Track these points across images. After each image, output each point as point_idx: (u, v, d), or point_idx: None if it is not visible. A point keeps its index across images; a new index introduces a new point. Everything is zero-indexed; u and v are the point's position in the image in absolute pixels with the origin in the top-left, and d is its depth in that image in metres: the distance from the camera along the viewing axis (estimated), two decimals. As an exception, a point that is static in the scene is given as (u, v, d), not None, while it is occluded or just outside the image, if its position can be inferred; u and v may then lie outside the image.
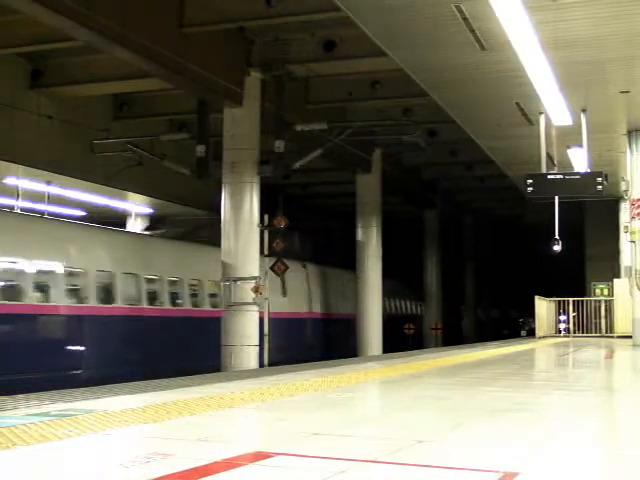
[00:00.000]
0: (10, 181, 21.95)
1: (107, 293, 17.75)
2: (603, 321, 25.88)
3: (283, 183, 26.65)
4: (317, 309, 27.09)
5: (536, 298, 25.41)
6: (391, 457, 4.31)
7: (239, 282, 17.80)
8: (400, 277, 35.42)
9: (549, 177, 14.94)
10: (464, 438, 5.11)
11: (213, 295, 20.71)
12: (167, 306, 19.47)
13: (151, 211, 29.16)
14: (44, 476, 3.94)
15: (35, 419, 5.49)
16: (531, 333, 29.78)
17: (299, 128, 19.83)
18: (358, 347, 25.95)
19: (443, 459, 4.37)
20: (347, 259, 29.67)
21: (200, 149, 19.01)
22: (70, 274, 16.81)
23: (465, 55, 13.02)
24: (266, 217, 19.48)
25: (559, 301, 26.73)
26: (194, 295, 20.66)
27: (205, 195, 24.53)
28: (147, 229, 29.34)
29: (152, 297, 19.12)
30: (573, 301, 26.36)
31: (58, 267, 16.41)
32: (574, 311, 26.45)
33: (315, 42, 17.96)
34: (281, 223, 19.48)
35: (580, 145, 16.54)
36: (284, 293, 22.90)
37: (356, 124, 21.87)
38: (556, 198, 18.95)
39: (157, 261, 19.84)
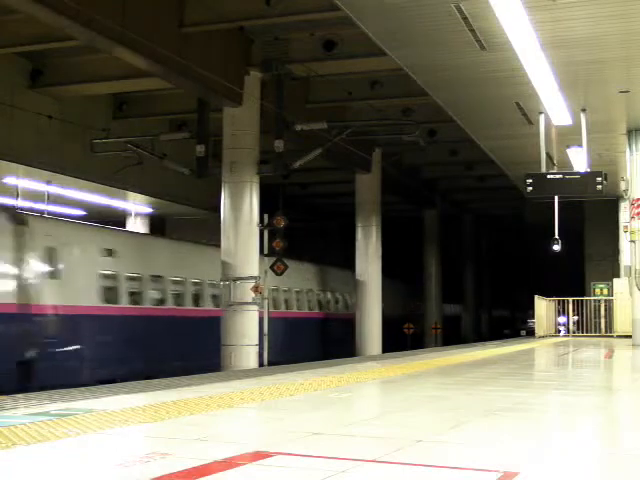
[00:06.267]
0: (10, 180, 21.95)
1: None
2: (603, 321, 25.88)
3: (283, 183, 26.62)
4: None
5: (536, 298, 25.42)
6: (391, 457, 4.31)
7: (239, 282, 17.80)
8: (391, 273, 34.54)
9: (549, 176, 14.94)
10: (464, 438, 5.11)
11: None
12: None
13: (151, 211, 29.17)
14: (43, 476, 3.94)
15: (35, 419, 5.49)
16: (530, 333, 29.79)
17: (299, 128, 19.81)
18: (357, 347, 25.97)
19: (443, 459, 4.37)
20: (347, 258, 29.66)
21: (200, 149, 19.01)
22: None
23: (465, 55, 13.02)
24: (266, 217, 19.47)
25: (559, 301, 26.73)
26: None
27: (205, 195, 24.54)
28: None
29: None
30: (573, 301, 26.36)
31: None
32: (574, 312, 26.45)
33: (315, 42, 17.96)
34: (281, 223, 19.45)
35: (580, 145, 16.55)
36: None
37: (356, 124, 21.86)
38: (556, 198, 19.03)
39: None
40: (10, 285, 14.66)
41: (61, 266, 15.81)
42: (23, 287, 14.89)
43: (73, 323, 15.64)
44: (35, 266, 15.24)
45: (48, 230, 15.91)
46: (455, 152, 28.91)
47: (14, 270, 14.78)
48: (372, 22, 11.94)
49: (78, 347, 15.81)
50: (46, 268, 15.47)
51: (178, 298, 19.61)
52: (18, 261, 14.86)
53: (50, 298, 15.37)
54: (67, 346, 15.44)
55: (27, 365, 14.53)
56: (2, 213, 15.30)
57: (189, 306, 19.83)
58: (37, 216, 16.45)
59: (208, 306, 20.26)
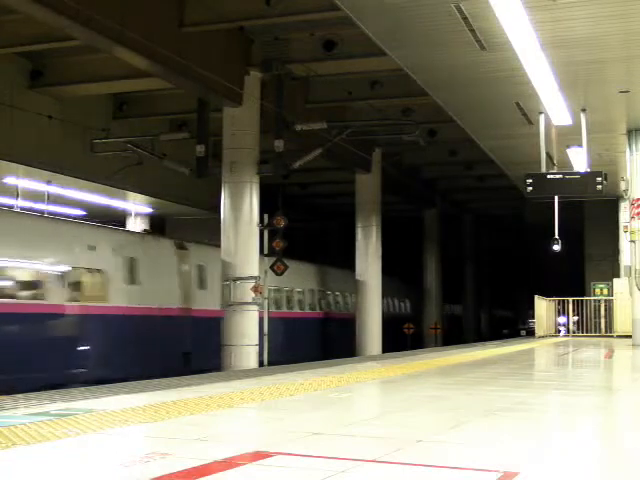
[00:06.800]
0: (10, 180, 21.95)
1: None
2: (603, 321, 25.88)
3: (283, 183, 26.63)
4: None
5: (536, 298, 25.43)
6: (391, 457, 4.31)
7: (239, 282, 17.79)
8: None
9: (549, 176, 14.95)
10: (464, 438, 5.11)
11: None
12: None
13: (151, 211, 29.16)
14: (43, 476, 3.94)
15: (35, 419, 5.49)
16: (530, 333, 29.80)
17: (299, 128, 19.81)
18: (358, 347, 25.99)
19: (443, 459, 4.37)
20: (347, 258, 29.67)
21: (200, 149, 19.00)
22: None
23: (465, 55, 13.02)
24: (266, 217, 19.47)
25: (559, 301, 26.74)
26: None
27: (205, 195, 24.53)
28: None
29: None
30: (573, 301, 26.36)
31: None
32: (574, 312, 26.44)
33: (315, 42, 17.95)
34: (280, 223, 19.45)
35: (580, 145, 16.55)
36: None
37: (356, 124, 21.86)
38: (556, 198, 19.02)
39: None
40: (176, 294, 18.87)
41: (207, 279, 19.99)
42: (185, 295, 19.15)
43: (215, 323, 18.53)
44: (191, 280, 19.58)
45: (199, 253, 20.26)
46: (455, 152, 28.90)
47: (178, 283, 19.04)
48: (372, 22, 11.94)
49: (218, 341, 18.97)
50: (198, 281, 19.75)
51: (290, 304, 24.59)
52: (181, 276, 19.20)
53: (200, 304, 19.49)
54: (211, 340, 18.39)
55: (187, 354, 18.60)
56: (170, 241, 19.81)
57: (298, 310, 25.12)
58: (192, 243, 20.58)
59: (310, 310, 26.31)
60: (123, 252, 17.23)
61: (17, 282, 14.53)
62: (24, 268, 14.73)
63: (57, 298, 15.05)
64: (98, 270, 16.36)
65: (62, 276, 15.30)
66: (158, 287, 18.11)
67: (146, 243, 18.87)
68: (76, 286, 15.78)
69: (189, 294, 19.23)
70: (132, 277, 17.31)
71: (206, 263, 19.99)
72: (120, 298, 16.70)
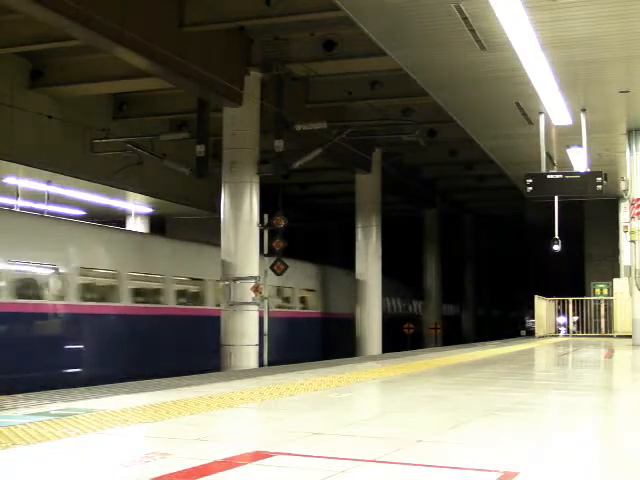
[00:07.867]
0: (10, 180, 21.95)
1: None
2: (603, 321, 25.89)
3: (283, 183, 26.64)
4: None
5: (536, 298, 25.43)
6: (391, 457, 4.32)
7: (239, 282, 17.79)
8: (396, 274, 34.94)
9: (549, 176, 14.95)
10: (464, 438, 5.11)
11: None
12: None
13: (151, 211, 29.16)
14: (43, 476, 3.94)
15: (34, 419, 5.49)
16: (530, 333, 29.80)
17: (299, 128, 19.80)
18: (358, 347, 25.99)
19: (443, 459, 4.37)
20: (347, 258, 29.67)
21: (200, 149, 18.99)
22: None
23: (465, 55, 13.02)
24: (266, 217, 19.47)
25: (559, 301, 26.74)
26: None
27: (205, 195, 24.54)
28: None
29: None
30: (573, 301, 26.37)
31: None
32: (574, 312, 26.44)
33: (315, 42, 17.95)
34: (281, 222, 19.45)
35: (580, 145, 16.55)
36: None
37: (356, 124, 21.86)
38: (556, 198, 19.03)
39: None
40: (343, 303, 27.91)
41: (341, 292, 28.11)
42: (333, 303, 27.77)
43: (342, 321, 27.04)
44: (350, 294, 27.67)
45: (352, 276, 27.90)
46: (455, 152, 28.89)
47: (345, 296, 27.80)
48: (372, 22, 11.94)
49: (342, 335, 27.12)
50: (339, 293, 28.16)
51: None
52: (346, 291, 27.68)
53: (335, 309, 27.60)
54: (340, 334, 27.02)
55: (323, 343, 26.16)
56: (340, 269, 29.39)
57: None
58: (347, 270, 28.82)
59: None
60: (322, 278, 26.91)
61: (285, 298, 24.63)
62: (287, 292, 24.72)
63: (296, 308, 25.59)
64: (314, 290, 26.54)
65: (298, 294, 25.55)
66: (337, 299, 27.77)
67: (329, 269, 28.48)
68: (304, 299, 26.20)
69: (349, 303, 27.28)
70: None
71: (340, 281, 28.44)
72: (321, 307, 26.46)
